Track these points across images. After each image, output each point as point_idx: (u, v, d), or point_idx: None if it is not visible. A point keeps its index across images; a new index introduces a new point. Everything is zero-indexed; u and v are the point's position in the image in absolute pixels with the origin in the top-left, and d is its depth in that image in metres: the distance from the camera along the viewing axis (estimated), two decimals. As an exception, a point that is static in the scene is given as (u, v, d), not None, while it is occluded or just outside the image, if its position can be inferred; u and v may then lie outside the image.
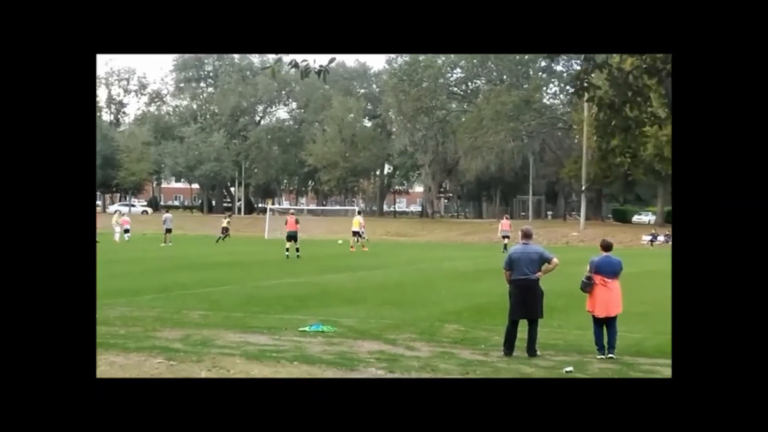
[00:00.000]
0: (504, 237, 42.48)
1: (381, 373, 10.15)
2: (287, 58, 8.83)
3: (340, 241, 40.85)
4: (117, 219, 49.52)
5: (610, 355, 11.57)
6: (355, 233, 41.59)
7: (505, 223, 44.24)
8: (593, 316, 11.91)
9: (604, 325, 11.84)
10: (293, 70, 9.47)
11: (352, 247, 40.74)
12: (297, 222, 35.28)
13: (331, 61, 8.98)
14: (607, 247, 12.20)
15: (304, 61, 8.97)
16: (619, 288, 12.03)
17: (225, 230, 49.51)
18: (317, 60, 9.02)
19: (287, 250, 33.84)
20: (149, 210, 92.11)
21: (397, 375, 10.08)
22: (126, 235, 47.57)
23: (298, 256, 33.22)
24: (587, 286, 11.96)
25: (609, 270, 11.95)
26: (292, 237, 34.31)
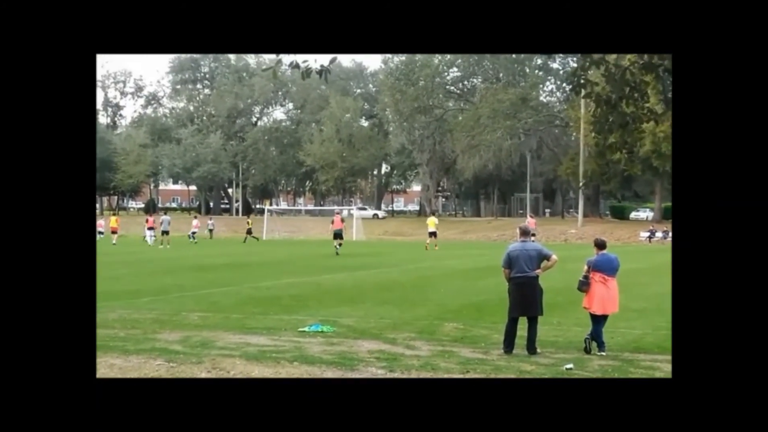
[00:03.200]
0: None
1: (381, 373, 10.14)
2: (287, 58, 8.81)
3: (432, 245, 42.35)
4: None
5: (602, 353, 11.57)
6: (432, 233, 43.36)
7: (530, 221, 46.76)
8: (591, 314, 11.90)
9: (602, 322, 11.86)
10: (290, 70, 9.48)
11: (427, 246, 42.28)
12: (343, 221, 39.23)
13: (333, 60, 8.96)
14: (602, 245, 12.22)
15: (305, 61, 8.97)
16: (616, 287, 12.02)
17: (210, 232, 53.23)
18: (317, 60, 9.02)
19: (336, 246, 36.95)
20: (379, 213, 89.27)
21: (396, 375, 10.08)
22: (113, 237, 48.16)
23: (337, 253, 35.96)
24: (584, 285, 11.96)
25: (608, 267, 11.94)
26: (338, 235, 37.80)
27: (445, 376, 9.99)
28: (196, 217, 58.61)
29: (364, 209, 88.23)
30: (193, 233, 52.54)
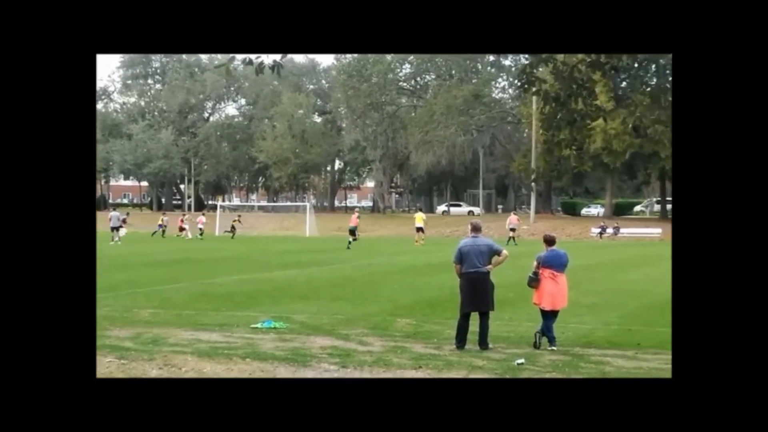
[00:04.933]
0: (511, 230, 46.10)
1: (334, 369, 10.18)
2: (240, 54, 8.78)
3: (419, 242, 43.51)
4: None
5: (552, 348, 11.72)
6: (419, 229, 44.70)
7: (513, 218, 48.17)
8: (541, 310, 12.05)
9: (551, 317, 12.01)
10: (242, 66, 9.44)
11: (417, 241, 43.86)
12: (358, 218, 43.31)
13: (284, 55, 8.94)
14: (551, 241, 12.37)
15: (258, 57, 8.94)
16: (565, 282, 12.19)
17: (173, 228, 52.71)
18: (270, 55, 8.99)
19: (350, 242, 40.01)
20: (475, 210, 78.91)
21: (349, 371, 10.12)
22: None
23: (348, 247, 38.61)
24: (534, 281, 12.10)
25: (557, 263, 12.09)
26: (352, 231, 40.98)
27: (398, 371, 10.07)
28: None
29: (459, 205, 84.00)
30: (200, 230, 52.53)
